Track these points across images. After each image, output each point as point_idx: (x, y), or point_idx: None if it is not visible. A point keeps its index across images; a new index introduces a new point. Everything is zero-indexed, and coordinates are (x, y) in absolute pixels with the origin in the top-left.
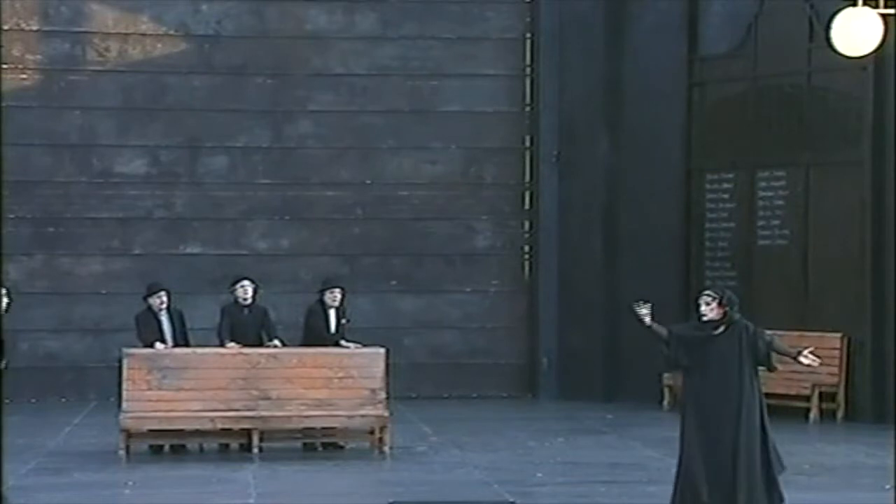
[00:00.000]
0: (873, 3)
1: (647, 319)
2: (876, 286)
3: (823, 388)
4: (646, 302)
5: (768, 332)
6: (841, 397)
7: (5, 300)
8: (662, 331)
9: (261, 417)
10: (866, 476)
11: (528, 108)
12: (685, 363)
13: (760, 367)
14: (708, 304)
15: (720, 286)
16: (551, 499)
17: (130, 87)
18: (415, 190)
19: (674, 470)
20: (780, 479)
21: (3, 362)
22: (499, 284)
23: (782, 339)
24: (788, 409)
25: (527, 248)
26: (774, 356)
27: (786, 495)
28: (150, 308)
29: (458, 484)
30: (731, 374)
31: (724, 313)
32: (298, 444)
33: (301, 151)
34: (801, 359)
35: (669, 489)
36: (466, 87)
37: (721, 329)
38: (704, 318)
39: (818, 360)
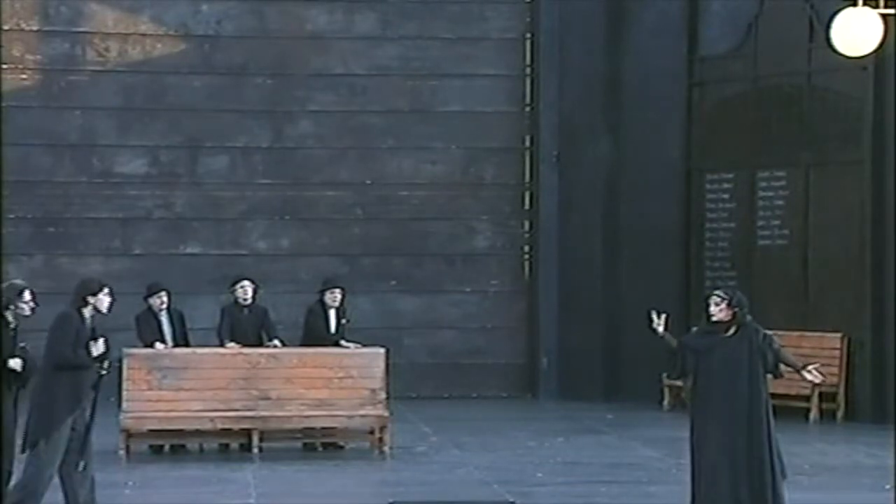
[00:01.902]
0: (873, 3)
1: (661, 329)
2: (876, 286)
3: (823, 388)
4: (661, 312)
5: (769, 331)
6: (841, 397)
7: (107, 300)
8: (673, 342)
9: (261, 417)
10: (866, 476)
11: (528, 108)
12: (694, 370)
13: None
14: (717, 304)
15: (731, 288)
16: (551, 499)
17: (130, 87)
18: (415, 190)
19: (674, 471)
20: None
21: (107, 363)
22: (499, 284)
23: (782, 339)
24: (788, 409)
25: (527, 248)
26: (781, 366)
27: (787, 496)
28: (150, 308)
29: (458, 484)
30: (741, 376)
31: (734, 315)
32: (298, 444)
33: (301, 151)
34: (805, 373)
35: (669, 489)
36: (466, 87)
37: (732, 331)
38: (714, 319)
39: (822, 376)
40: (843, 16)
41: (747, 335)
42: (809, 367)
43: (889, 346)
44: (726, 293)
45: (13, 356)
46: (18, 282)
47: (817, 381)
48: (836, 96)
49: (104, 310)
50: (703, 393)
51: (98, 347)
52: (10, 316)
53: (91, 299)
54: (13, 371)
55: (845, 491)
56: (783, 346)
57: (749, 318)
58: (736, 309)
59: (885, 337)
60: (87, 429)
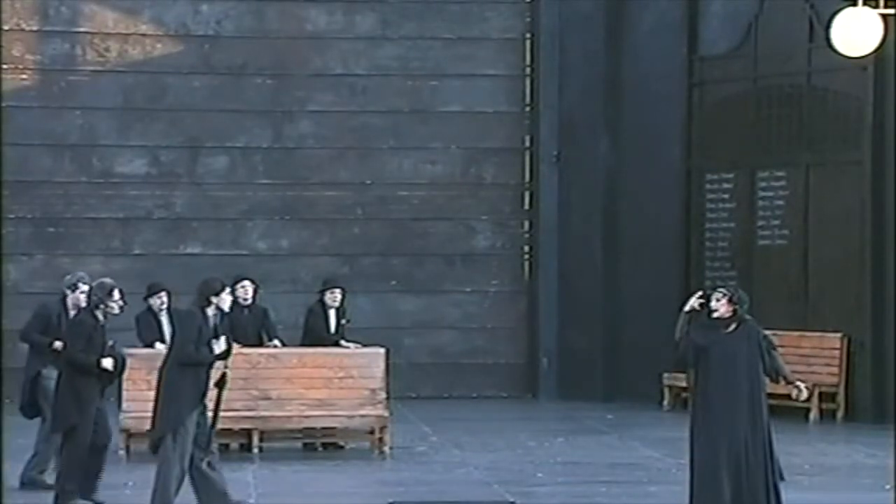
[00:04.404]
0: (873, 3)
1: (686, 307)
2: (876, 286)
3: (823, 388)
4: (702, 296)
5: (768, 331)
6: (841, 397)
7: (229, 299)
8: (684, 329)
9: (261, 417)
10: (866, 476)
11: (528, 108)
12: (695, 366)
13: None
14: (718, 300)
15: (732, 285)
16: (551, 499)
17: (130, 87)
18: (415, 190)
19: (674, 470)
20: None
21: (226, 364)
22: (499, 284)
23: (782, 339)
24: (788, 409)
25: (527, 248)
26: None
27: (784, 497)
28: (150, 308)
29: (458, 484)
30: (738, 373)
31: (734, 311)
32: (298, 444)
33: (301, 151)
34: (792, 387)
35: (669, 489)
36: (466, 87)
37: (732, 327)
38: (714, 315)
39: (806, 394)
40: (843, 16)
41: (746, 332)
42: (799, 384)
43: (889, 346)
44: (728, 290)
45: (103, 355)
46: (108, 281)
47: (802, 398)
48: (836, 96)
49: (226, 308)
50: (701, 389)
51: (220, 345)
52: (99, 315)
53: (214, 299)
54: (104, 369)
55: (845, 491)
56: (781, 353)
57: (749, 316)
58: (736, 306)
59: (885, 337)
60: (212, 426)
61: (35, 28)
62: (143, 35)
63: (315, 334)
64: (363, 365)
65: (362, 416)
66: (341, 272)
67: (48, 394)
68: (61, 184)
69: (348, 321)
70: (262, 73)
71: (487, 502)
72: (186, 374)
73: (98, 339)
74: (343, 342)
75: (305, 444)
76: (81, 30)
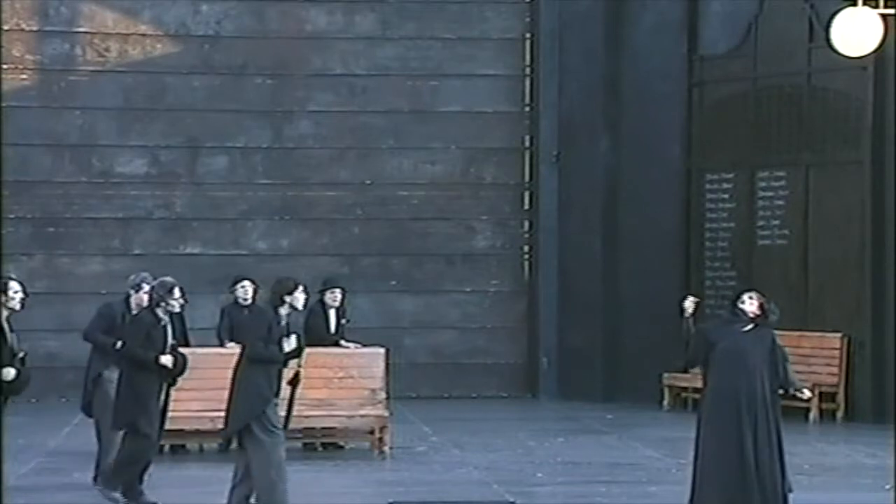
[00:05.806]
0: (873, 3)
1: (687, 312)
2: (876, 286)
3: (823, 388)
4: (696, 296)
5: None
6: (841, 397)
7: (303, 297)
8: (692, 328)
9: None
10: (866, 476)
11: (527, 109)
12: (704, 360)
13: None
14: (751, 298)
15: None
16: (551, 499)
17: (130, 87)
18: (415, 190)
19: (674, 470)
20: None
21: (300, 363)
22: (499, 284)
23: (782, 338)
24: (788, 409)
25: (527, 248)
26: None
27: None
28: None
29: (458, 484)
30: (743, 370)
31: (760, 314)
32: (298, 444)
33: (301, 151)
34: (798, 393)
35: (669, 489)
36: (466, 87)
37: (749, 327)
38: (740, 304)
39: (810, 394)
40: (843, 16)
41: (761, 336)
42: (803, 390)
43: (889, 346)
44: (765, 295)
45: (163, 353)
46: (169, 279)
47: (805, 397)
48: (836, 96)
49: (300, 307)
50: (708, 384)
51: (290, 343)
52: (160, 313)
53: (287, 298)
54: (163, 366)
55: (845, 491)
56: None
57: (771, 329)
58: (764, 312)
59: (885, 337)
60: (284, 425)
61: (35, 28)
62: (143, 35)
63: (315, 334)
64: (363, 365)
65: (362, 416)
66: (341, 272)
67: (107, 395)
68: (61, 184)
69: (348, 321)
70: (262, 73)
71: (487, 502)
72: (257, 371)
73: (158, 337)
74: (343, 342)
75: (305, 444)
76: (81, 30)
